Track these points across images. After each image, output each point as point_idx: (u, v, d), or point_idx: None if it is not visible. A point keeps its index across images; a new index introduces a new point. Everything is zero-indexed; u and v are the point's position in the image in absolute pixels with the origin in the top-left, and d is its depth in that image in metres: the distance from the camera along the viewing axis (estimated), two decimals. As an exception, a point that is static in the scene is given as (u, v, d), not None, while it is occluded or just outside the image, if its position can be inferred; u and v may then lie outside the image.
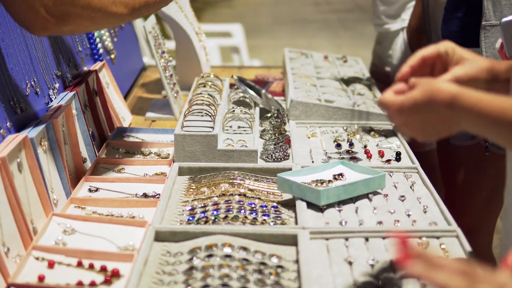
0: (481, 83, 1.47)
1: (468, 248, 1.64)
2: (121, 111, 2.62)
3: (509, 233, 1.34)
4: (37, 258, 1.59)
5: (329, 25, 11.08)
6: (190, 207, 1.90)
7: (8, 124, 1.78)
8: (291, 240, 1.70)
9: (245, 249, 1.65)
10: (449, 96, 1.30)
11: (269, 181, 2.06)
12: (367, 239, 1.69)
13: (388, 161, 2.21)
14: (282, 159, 2.21)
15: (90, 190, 1.99)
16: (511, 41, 1.81)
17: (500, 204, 2.63)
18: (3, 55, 1.85)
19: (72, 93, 2.14)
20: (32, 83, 2.00)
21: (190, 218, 1.82)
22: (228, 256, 1.61)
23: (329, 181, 1.95)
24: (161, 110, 2.77)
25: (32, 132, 1.78)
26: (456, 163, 2.63)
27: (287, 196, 1.98)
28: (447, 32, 2.52)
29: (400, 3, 3.23)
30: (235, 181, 2.02)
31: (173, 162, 2.15)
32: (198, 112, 2.28)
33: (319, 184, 1.92)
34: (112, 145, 2.31)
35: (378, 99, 1.46)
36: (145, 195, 1.95)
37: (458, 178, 2.60)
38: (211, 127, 2.20)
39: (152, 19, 2.76)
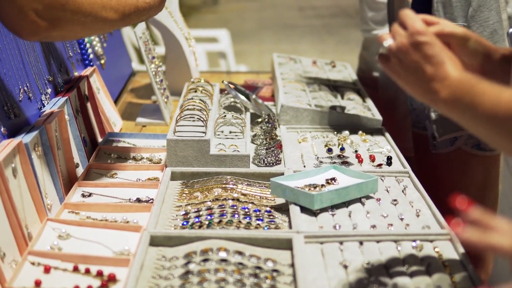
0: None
1: (462, 251, 1.65)
2: (112, 116, 2.62)
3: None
4: (33, 263, 1.59)
5: (314, 30, 11.11)
6: (183, 212, 1.91)
7: (2, 129, 1.78)
8: (286, 244, 1.71)
9: (240, 253, 1.65)
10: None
11: (262, 186, 2.07)
12: (361, 243, 1.71)
13: (380, 165, 2.23)
14: (274, 163, 2.22)
15: (83, 195, 1.99)
16: None
17: (489, 204, 2.65)
18: (-4, 61, 1.85)
19: (64, 98, 2.14)
20: (25, 88, 2.00)
21: (184, 223, 1.83)
22: (223, 260, 1.62)
23: (322, 185, 1.96)
24: (152, 116, 2.77)
25: (26, 138, 1.78)
26: (439, 171, 2.65)
27: (280, 200, 1.98)
28: (391, 16, 2.65)
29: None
30: (227, 186, 2.03)
31: (166, 167, 2.15)
32: (190, 117, 2.29)
33: (312, 189, 1.93)
34: (104, 151, 2.31)
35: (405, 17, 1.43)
36: (138, 200, 1.96)
37: (442, 185, 2.61)
38: (203, 132, 2.21)
39: (142, 24, 2.76)
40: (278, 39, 10.39)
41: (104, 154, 2.30)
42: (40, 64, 2.16)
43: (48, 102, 2.13)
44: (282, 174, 2.09)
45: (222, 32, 6.11)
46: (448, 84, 1.34)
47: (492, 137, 1.30)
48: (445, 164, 2.61)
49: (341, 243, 1.71)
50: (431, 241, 1.72)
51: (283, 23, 11.82)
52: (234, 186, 2.02)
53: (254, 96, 2.66)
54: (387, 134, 2.49)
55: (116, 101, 2.97)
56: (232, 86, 2.62)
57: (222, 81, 2.65)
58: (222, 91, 2.80)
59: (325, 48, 9.39)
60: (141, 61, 6.08)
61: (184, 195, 2.02)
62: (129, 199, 1.96)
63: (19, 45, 2.03)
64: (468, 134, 2.50)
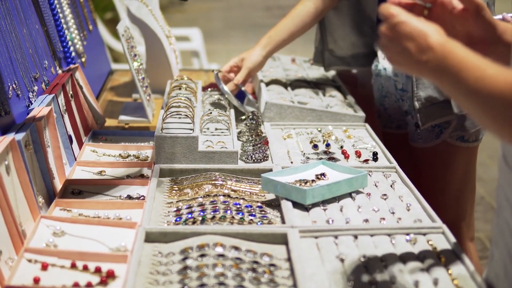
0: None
1: (455, 241, 1.68)
2: (95, 114, 2.60)
3: (504, 230, 1.37)
4: (29, 261, 1.58)
5: (282, 29, 11.10)
6: (175, 208, 1.91)
7: (-6, 127, 1.77)
8: (281, 239, 1.72)
9: (236, 248, 1.66)
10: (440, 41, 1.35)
11: (250, 182, 2.08)
12: (356, 237, 1.72)
13: (366, 161, 2.25)
14: (262, 160, 2.22)
15: (73, 193, 1.98)
16: None
17: (473, 194, 2.69)
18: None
19: (51, 96, 2.12)
20: (14, 85, 1.99)
21: (177, 219, 1.83)
22: (220, 255, 1.62)
23: (312, 180, 1.98)
24: (134, 113, 2.76)
25: (19, 135, 1.77)
26: (422, 164, 2.68)
27: (269, 196, 1.99)
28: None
29: None
30: (216, 182, 2.03)
31: (154, 164, 2.15)
32: (177, 114, 2.29)
33: (303, 184, 1.95)
34: (90, 148, 2.30)
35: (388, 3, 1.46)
36: (129, 197, 1.95)
37: (425, 178, 2.64)
38: (191, 129, 2.21)
39: (124, 21, 2.75)
40: (246, 39, 10.37)
41: (90, 151, 2.29)
42: (26, 61, 2.15)
43: (35, 100, 2.12)
44: (271, 170, 2.10)
45: (194, 31, 6.10)
46: (434, 54, 1.34)
47: (476, 112, 1.31)
48: (428, 158, 2.65)
49: (336, 237, 1.72)
50: (424, 234, 1.75)
51: (251, 23, 11.80)
52: (223, 183, 2.03)
53: (249, 96, 2.70)
54: (371, 130, 2.51)
55: (97, 99, 2.95)
56: (220, 76, 2.65)
57: (213, 70, 2.67)
58: (204, 88, 2.80)
59: (294, 48, 9.39)
60: (115, 59, 6.05)
61: (174, 191, 2.02)
62: (120, 196, 1.96)
63: (6, 43, 2.01)
64: (454, 127, 2.53)
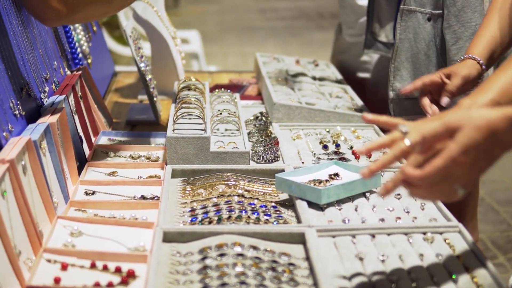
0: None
1: (472, 241, 1.68)
2: (103, 115, 2.60)
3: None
4: (49, 261, 1.57)
5: (277, 32, 11.14)
6: (189, 209, 1.90)
7: (9, 127, 1.76)
8: (298, 238, 1.72)
9: (255, 247, 1.66)
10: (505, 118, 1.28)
11: (262, 182, 2.08)
12: (373, 236, 1.72)
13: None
14: (273, 160, 2.22)
15: (86, 193, 1.98)
16: None
17: (476, 196, 2.70)
18: (1, 59, 1.83)
19: (63, 96, 2.12)
20: (26, 86, 1.98)
21: (193, 219, 1.83)
22: (239, 254, 1.62)
23: (326, 180, 1.98)
24: (141, 115, 2.76)
25: (34, 135, 1.76)
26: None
27: (283, 196, 1.99)
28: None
29: None
30: (229, 182, 2.03)
31: (166, 164, 2.15)
32: (187, 115, 2.29)
33: (317, 184, 1.95)
34: (101, 149, 2.30)
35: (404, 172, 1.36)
36: (143, 197, 1.95)
37: None
38: (203, 130, 2.21)
39: (131, 23, 2.75)
40: (241, 41, 10.40)
41: (101, 153, 2.28)
42: (37, 62, 2.14)
43: (46, 100, 2.11)
44: (283, 170, 2.10)
45: (193, 33, 6.11)
46: (490, 135, 1.28)
47: None
48: None
49: (353, 236, 1.72)
50: (441, 233, 1.75)
51: (245, 26, 11.83)
52: (236, 183, 2.03)
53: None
54: (379, 131, 2.52)
55: (102, 101, 2.95)
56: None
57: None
58: (212, 90, 2.81)
59: (289, 50, 9.40)
60: (115, 61, 6.04)
61: (187, 192, 2.01)
62: (134, 197, 1.95)
63: (18, 43, 2.00)
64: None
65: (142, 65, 2.65)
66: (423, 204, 1.91)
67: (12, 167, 1.56)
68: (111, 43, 5.91)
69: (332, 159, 2.25)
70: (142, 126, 2.70)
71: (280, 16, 12.80)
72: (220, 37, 10.79)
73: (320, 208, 1.89)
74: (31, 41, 2.14)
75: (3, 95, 1.78)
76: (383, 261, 1.61)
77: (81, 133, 2.26)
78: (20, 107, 1.88)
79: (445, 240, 1.71)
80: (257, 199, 1.94)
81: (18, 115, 1.85)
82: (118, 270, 1.54)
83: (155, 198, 1.94)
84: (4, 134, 1.71)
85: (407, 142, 1.35)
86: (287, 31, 11.27)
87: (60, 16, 1.72)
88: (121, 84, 3.29)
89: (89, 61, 2.86)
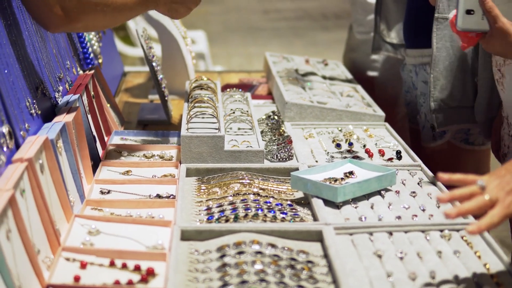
0: None
1: (490, 239, 1.68)
2: (115, 114, 2.60)
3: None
4: (67, 259, 1.57)
5: (281, 33, 11.13)
6: (205, 207, 1.90)
7: (26, 126, 1.76)
8: (316, 236, 1.72)
9: (273, 245, 1.66)
10: None
11: (277, 181, 2.08)
12: (390, 233, 1.72)
13: (390, 159, 2.25)
14: (287, 159, 2.22)
15: (102, 192, 1.98)
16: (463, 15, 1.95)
17: None
18: (17, 58, 1.83)
19: (77, 96, 2.12)
20: (41, 86, 1.98)
21: (210, 218, 1.83)
22: (258, 252, 1.62)
23: (342, 178, 1.98)
24: (152, 114, 2.77)
25: (51, 134, 1.76)
26: (431, 164, 2.68)
27: (298, 194, 2.00)
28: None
29: None
30: (244, 181, 2.03)
31: (180, 163, 2.15)
32: (201, 114, 2.29)
33: (333, 182, 1.95)
34: (114, 149, 2.30)
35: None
36: (158, 196, 1.95)
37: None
38: (217, 129, 2.21)
39: (142, 23, 2.75)
40: (245, 42, 10.39)
41: (114, 152, 2.28)
42: (51, 61, 2.14)
43: (61, 100, 2.11)
44: (297, 169, 2.10)
45: (199, 34, 6.11)
46: None
47: None
48: (437, 157, 2.64)
49: (370, 234, 1.72)
50: (458, 230, 1.75)
51: (249, 26, 11.81)
52: (251, 181, 2.03)
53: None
54: (391, 129, 2.52)
55: (113, 101, 2.95)
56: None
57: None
58: (223, 89, 2.81)
59: (294, 51, 9.38)
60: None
61: (202, 190, 2.01)
62: (149, 195, 1.95)
63: (33, 42, 2.01)
64: (457, 129, 2.53)
65: (153, 64, 2.65)
66: (438, 202, 1.90)
67: (30, 166, 1.56)
68: (117, 44, 5.90)
69: (345, 157, 2.24)
70: (153, 125, 2.70)
71: (283, 16, 12.78)
72: (224, 37, 10.78)
73: (336, 206, 1.89)
74: (45, 40, 2.14)
75: (19, 94, 1.78)
76: (401, 258, 1.61)
77: (94, 132, 2.26)
78: (36, 106, 1.88)
79: (462, 237, 1.71)
80: (273, 197, 1.95)
81: (34, 114, 1.85)
82: (137, 268, 1.55)
83: (171, 196, 1.94)
84: (21, 133, 1.71)
85: (486, 197, 1.45)
86: (291, 32, 11.26)
87: (63, 24, 1.78)
88: (130, 84, 3.29)
89: (100, 61, 2.87)
